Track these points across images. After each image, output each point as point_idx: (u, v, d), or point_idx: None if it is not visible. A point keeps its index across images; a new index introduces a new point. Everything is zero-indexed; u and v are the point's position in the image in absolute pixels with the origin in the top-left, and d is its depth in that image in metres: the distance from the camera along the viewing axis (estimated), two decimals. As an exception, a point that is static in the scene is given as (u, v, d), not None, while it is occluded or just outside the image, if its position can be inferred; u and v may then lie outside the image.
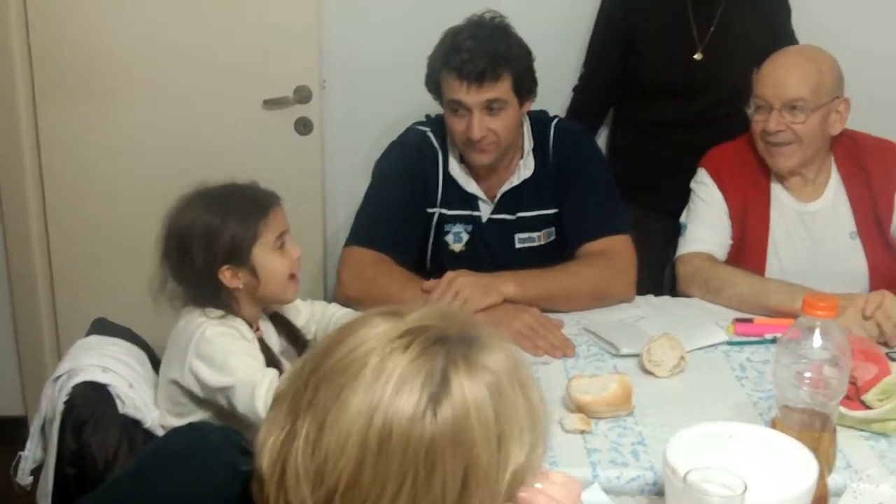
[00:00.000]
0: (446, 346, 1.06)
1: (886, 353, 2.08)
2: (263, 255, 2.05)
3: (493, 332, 1.12)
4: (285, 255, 2.09)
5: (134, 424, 1.98)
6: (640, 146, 3.15)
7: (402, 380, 1.02)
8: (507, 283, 2.40)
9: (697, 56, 2.98)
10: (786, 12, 3.08)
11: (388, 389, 1.02)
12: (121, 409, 1.96)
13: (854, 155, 2.65)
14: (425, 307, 1.12)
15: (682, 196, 2.74)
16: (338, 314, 2.32)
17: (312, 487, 1.01)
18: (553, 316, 2.41)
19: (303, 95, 3.15)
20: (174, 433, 1.40)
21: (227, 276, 2.04)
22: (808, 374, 1.66)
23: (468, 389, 1.04)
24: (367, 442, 1.00)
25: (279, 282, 2.09)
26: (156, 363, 2.20)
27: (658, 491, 1.74)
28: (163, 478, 1.21)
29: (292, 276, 2.11)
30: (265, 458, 1.03)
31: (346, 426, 1.01)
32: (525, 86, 2.51)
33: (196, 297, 2.06)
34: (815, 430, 1.67)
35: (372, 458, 1.00)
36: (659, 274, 2.80)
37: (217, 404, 2.00)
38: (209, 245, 2.03)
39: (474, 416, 1.04)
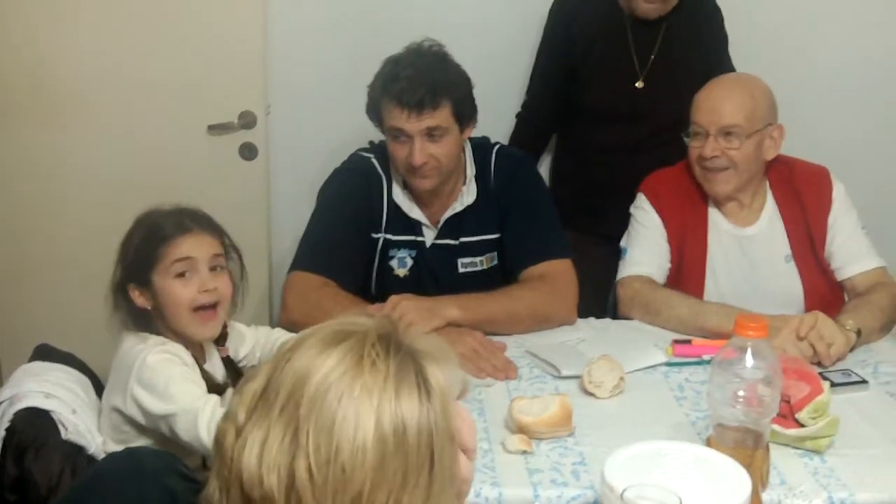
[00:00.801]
0: (405, 347, 1.12)
1: (819, 373, 2.12)
2: (163, 279, 2.05)
3: (410, 328, 1.19)
4: (188, 285, 2.06)
5: (77, 451, 1.95)
6: (582, 172, 3.19)
7: (398, 382, 1.07)
8: (451, 307, 2.43)
9: (639, 84, 3.04)
10: (723, 41, 3.15)
11: (389, 393, 1.06)
12: (64, 435, 1.94)
13: (788, 180, 2.71)
14: (356, 318, 1.15)
15: (624, 222, 2.78)
16: (282, 339, 2.32)
17: (334, 496, 1.03)
18: (496, 339, 2.44)
19: (248, 121, 3.15)
20: (111, 459, 1.40)
21: (135, 294, 2.06)
22: (741, 393, 1.70)
23: (440, 378, 1.11)
24: (385, 439, 1.04)
25: (178, 311, 2.05)
26: (100, 389, 2.18)
27: (598, 510, 1.77)
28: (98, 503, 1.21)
29: (198, 309, 2.07)
30: (272, 477, 1.04)
31: (360, 431, 1.04)
32: (465, 112, 2.55)
33: (128, 321, 2.07)
34: (749, 448, 1.71)
35: (392, 453, 1.04)
36: (602, 298, 2.83)
37: (160, 432, 2.00)
38: (121, 259, 2.08)
39: (448, 399, 1.11)
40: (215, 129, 3.16)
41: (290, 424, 1.05)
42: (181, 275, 2.05)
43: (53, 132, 3.13)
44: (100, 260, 2.12)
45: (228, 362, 2.21)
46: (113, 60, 3.08)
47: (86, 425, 2.02)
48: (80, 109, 3.12)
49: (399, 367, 1.08)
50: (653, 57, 3.03)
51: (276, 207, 3.33)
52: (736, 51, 3.14)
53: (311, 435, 1.03)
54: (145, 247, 2.06)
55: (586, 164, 3.18)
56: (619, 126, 3.08)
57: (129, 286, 2.07)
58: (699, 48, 3.09)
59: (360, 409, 1.04)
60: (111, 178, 3.15)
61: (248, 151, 3.19)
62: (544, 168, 3.33)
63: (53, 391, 2.02)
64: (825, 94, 3.37)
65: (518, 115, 3.23)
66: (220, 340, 2.21)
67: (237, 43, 3.11)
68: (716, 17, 3.14)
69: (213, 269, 2.09)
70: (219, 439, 1.10)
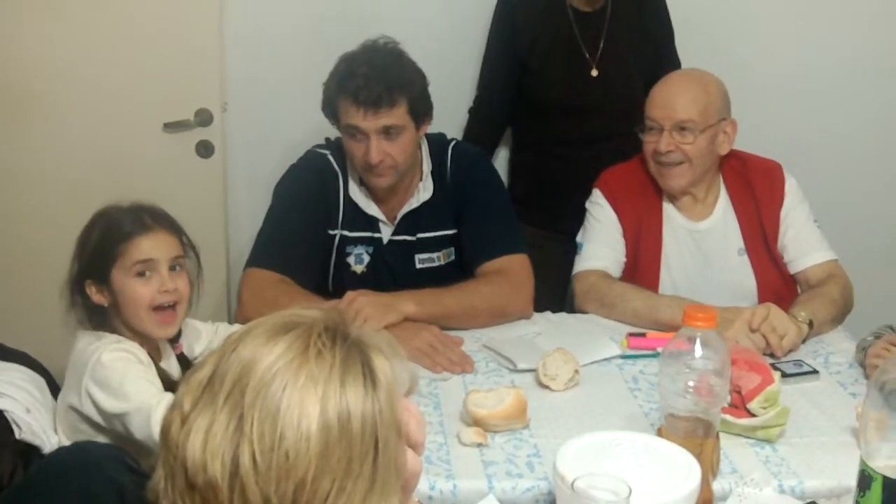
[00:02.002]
0: (352, 338, 1.12)
1: (771, 364, 2.15)
2: (122, 278, 2.04)
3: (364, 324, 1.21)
4: (148, 284, 2.05)
5: (31, 450, 1.95)
6: (539, 167, 3.21)
7: (343, 372, 1.07)
8: (407, 302, 2.44)
9: (594, 72, 3.05)
10: (669, 33, 3.18)
11: (334, 382, 1.06)
12: (18, 434, 1.93)
13: (742, 175, 2.74)
14: (303, 310, 1.15)
15: (580, 217, 2.80)
16: (237, 333, 2.32)
17: (277, 482, 1.03)
18: (453, 333, 2.45)
19: (204, 118, 3.14)
20: (58, 452, 1.40)
21: (92, 290, 2.05)
22: (691, 383, 1.72)
23: (387, 370, 1.11)
24: (330, 426, 1.04)
25: (137, 310, 2.05)
26: (55, 389, 2.17)
27: (552, 500, 1.77)
28: (44, 494, 1.20)
29: (157, 309, 2.07)
30: (216, 464, 1.04)
31: (305, 418, 1.04)
32: (421, 109, 2.55)
33: (84, 318, 2.06)
34: (699, 437, 1.73)
35: (336, 440, 1.04)
36: (559, 293, 2.84)
37: (116, 430, 1.99)
38: (78, 256, 2.07)
39: (394, 391, 1.11)
40: (171, 126, 3.15)
41: (234, 412, 1.05)
42: (141, 274, 2.05)
43: (10, 130, 3.11)
44: (54, 258, 2.11)
45: (183, 359, 2.20)
46: (68, 58, 3.06)
47: (40, 425, 2.01)
48: (36, 107, 3.10)
49: (345, 357, 1.09)
50: (602, 44, 3.05)
51: (233, 205, 3.32)
52: (689, 46, 3.18)
53: (255, 422, 1.03)
54: (104, 244, 2.05)
55: (542, 159, 3.19)
56: (574, 118, 3.09)
57: (87, 283, 2.06)
58: (645, 35, 3.12)
59: (304, 397, 1.05)
60: (67, 177, 3.13)
61: (204, 149, 3.18)
62: (501, 163, 3.34)
63: (7, 390, 2.01)
64: (777, 90, 3.41)
65: (470, 110, 3.24)
66: (174, 338, 2.20)
67: (193, 40, 3.10)
68: (659, 3, 3.17)
69: (172, 268, 2.09)
70: (165, 428, 1.10)
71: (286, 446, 1.03)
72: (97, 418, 1.99)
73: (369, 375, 1.09)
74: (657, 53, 3.09)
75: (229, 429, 1.04)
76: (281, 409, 1.04)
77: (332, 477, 1.04)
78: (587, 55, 3.05)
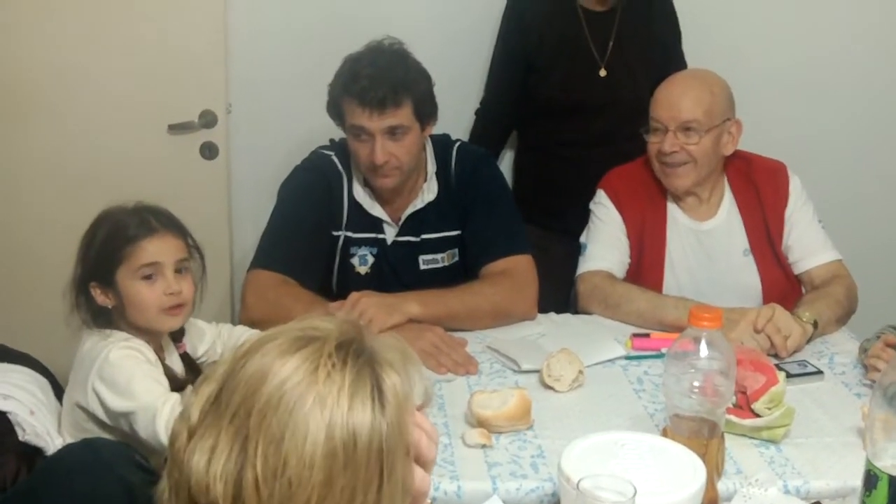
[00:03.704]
0: (365, 354, 1.10)
1: (776, 364, 2.15)
2: (128, 281, 2.04)
3: (372, 330, 1.18)
4: (154, 287, 2.05)
5: (35, 452, 1.94)
6: (543, 168, 3.21)
7: (352, 394, 1.06)
8: (411, 303, 2.44)
9: (602, 73, 3.05)
10: (676, 35, 3.18)
11: (342, 405, 1.05)
12: (21, 436, 1.93)
13: (746, 175, 2.74)
14: (318, 322, 1.14)
15: (584, 218, 2.79)
16: (245, 336, 2.32)
17: None
18: (457, 334, 2.45)
19: (208, 120, 3.14)
20: (66, 450, 1.39)
21: (96, 292, 2.05)
22: (696, 383, 1.72)
23: (398, 388, 1.10)
24: (335, 454, 1.03)
25: (145, 312, 2.06)
26: (58, 390, 2.17)
27: (556, 501, 1.77)
28: (52, 493, 1.20)
29: (168, 309, 2.07)
30: (219, 487, 1.03)
31: (310, 445, 1.03)
32: (426, 110, 2.55)
33: (88, 319, 2.06)
34: (704, 437, 1.73)
35: (340, 469, 1.03)
36: (563, 293, 2.84)
37: (121, 429, 1.99)
38: (83, 257, 2.06)
39: (405, 410, 1.10)
40: (176, 128, 3.15)
41: (239, 434, 1.04)
42: (147, 277, 2.05)
43: (14, 131, 3.11)
44: (58, 259, 2.11)
45: (186, 358, 2.20)
46: (73, 60, 3.06)
47: (44, 427, 2.00)
48: (41, 109, 3.10)
49: (355, 378, 1.07)
50: (611, 44, 3.05)
51: (238, 206, 3.33)
52: (694, 47, 3.18)
53: (259, 446, 1.03)
54: (109, 246, 2.05)
55: (547, 160, 3.19)
56: (580, 119, 3.09)
57: (91, 284, 2.06)
58: (654, 37, 3.12)
59: (310, 421, 1.03)
60: (71, 178, 3.13)
61: (208, 151, 3.18)
62: (506, 164, 3.34)
63: (10, 392, 2.01)
64: (782, 90, 3.42)
65: (477, 112, 3.25)
66: (178, 337, 2.20)
67: (197, 42, 3.10)
68: (668, 6, 3.18)
69: (177, 271, 2.09)
70: (172, 440, 1.09)
71: (289, 474, 1.02)
72: (103, 416, 2.00)
73: (378, 398, 1.07)
74: (665, 55, 3.08)
75: (233, 451, 1.04)
76: (286, 435, 1.03)
77: None
78: (596, 55, 3.05)
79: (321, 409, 1.04)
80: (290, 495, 1.02)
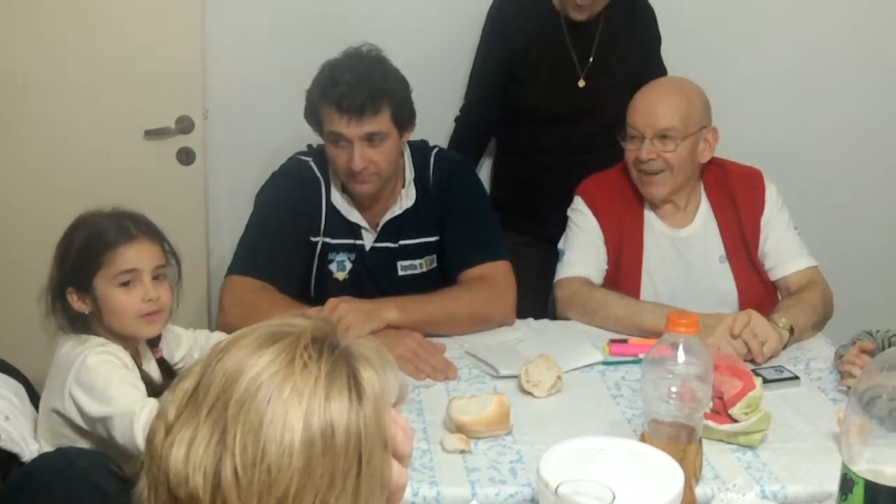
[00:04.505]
0: (340, 349, 1.11)
1: (752, 370, 2.16)
2: (106, 287, 2.03)
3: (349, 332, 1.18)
4: (132, 294, 2.05)
5: (10, 458, 1.93)
6: (522, 175, 3.22)
7: (329, 384, 1.06)
8: (390, 309, 2.44)
9: (581, 83, 3.07)
10: (657, 43, 3.20)
11: (319, 395, 1.05)
12: (-4, 443, 1.92)
13: (723, 182, 2.75)
14: (292, 319, 1.14)
15: (562, 224, 2.80)
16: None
17: (259, 497, 1.02)
18: (435, 340, 2.45)
19: (185, 125, 3.14)
20: (41, 458, 1.39)
21: (73, 298, 2.04)
22: (674, 389, 1.72)
23: (374, 382, 1.10)
24: (313, 441, 1.03)
25: (123, 319, 2.05)
26: (34, 396, 2.16)
27: (535, 507, 1.78)
28: (27, 501, 1.19)
29: (146, 316, 2.07)
30: (198, 477, 1.03)
31: (288, 433, 1.03)
32: (404, 116, 2.55)
33: (65, 324, 2.05)
34: (682, 443, 1.73)
35: (319, 456, 1.04)
36: (541, 300, 2.85)
37: (98, 434, 1.98)
38: (60, 262, 2.05)
39: (381, 404, 1.10)
40: (152, 133, 3.14)
41: (217, 425, 1.04)
42: (124, 284, 2.04)
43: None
44: (33, 264, 2.10)
45: (163, 364, 2.19)
46: (48, 65, 3.05)
47: (20, 433, 1.99)
48: (17, 114, 3.09)
49: (331, 370, 1.08)
50: (592, 56, 3.07)
51: (215, 212, 3.32)
52: (670, 54, 3.20)
53: (238, 436, 1.03)
54: (87, 252, 2.04)
55: (526, 167, 3.21)
56: (560, 127, 3.11)
57: (68, 290, 2.04)
58: (636, 46, 3.14)
59: (288, 410, 1.04)
60: (48, 183, 3.11)
61: (185, 156, 3.18)
62: (485, 170, 3.35)
63: (-15, 399, 2.00)
64: (758, 98, 3.44)
65: (457, 119, 3.25)
66: (154, 342, 2.20)
67: (174, 47, 3.10)
68: (650, 15, 3.19)
69: (155, 277, 2.08)
70: (150, 437, 1.09)
71: (268, 461, 1.02)
72: (80, 422, 1.98)
73: (355, 388, 1.08)
74: (645, 63, 3.10)
75: (212, 442, 1.04)
76: (264, 423, 1.03)
77: (314, 492, 1.03)
78: (577, 66, 3.06)
79: (298, 399, 1.04)
80: (270, 483, 1.02)
